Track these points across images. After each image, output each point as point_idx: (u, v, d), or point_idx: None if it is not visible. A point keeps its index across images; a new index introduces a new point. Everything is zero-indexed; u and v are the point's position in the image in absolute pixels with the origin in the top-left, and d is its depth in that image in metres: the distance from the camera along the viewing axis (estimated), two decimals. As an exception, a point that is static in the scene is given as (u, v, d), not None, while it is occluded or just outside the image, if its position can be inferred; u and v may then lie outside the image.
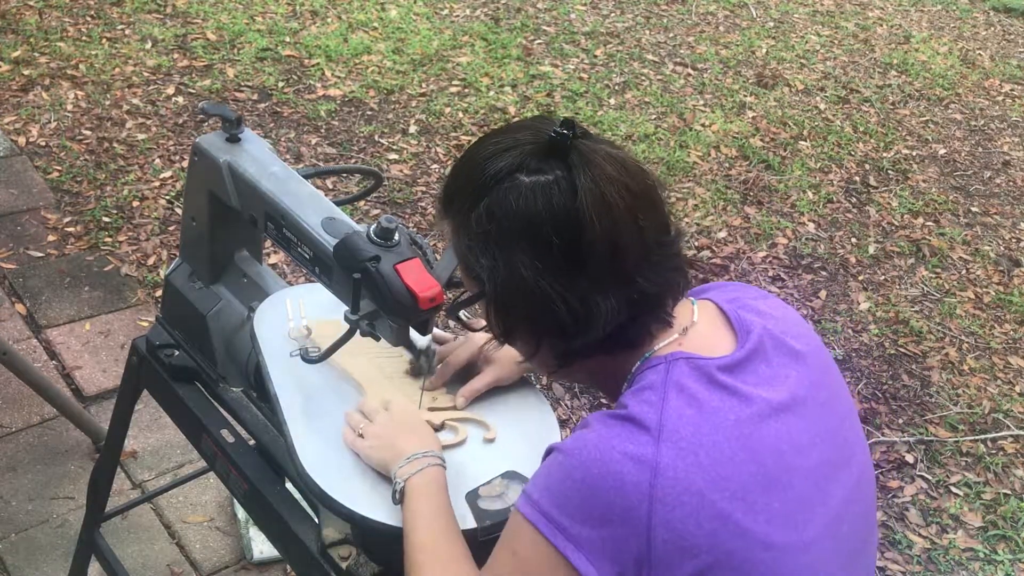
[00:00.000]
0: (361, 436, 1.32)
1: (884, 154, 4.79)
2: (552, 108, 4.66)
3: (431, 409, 1.41)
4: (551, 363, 1.14)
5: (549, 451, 1.08)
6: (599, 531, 0.99)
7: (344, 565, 1.31)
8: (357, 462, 1.33)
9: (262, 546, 2.37)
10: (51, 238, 3.35)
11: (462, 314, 1.26)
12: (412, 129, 4.31)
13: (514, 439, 1.40)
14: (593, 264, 1.03)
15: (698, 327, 1.12)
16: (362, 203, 3.73)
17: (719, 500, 0.99)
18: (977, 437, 3.13)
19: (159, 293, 3.07)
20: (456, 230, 1.10)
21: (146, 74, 4.37)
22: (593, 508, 1.00)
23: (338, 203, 1.46)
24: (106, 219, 3.45)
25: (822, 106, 5.17)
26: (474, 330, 1.31)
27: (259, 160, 1.46)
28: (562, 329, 1.06)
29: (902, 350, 3.47)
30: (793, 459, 1.05)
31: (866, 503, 1.16)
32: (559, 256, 1.03)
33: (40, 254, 3.28)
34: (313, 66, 4.66)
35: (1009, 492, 2.95)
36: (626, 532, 0.98)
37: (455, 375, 1.44)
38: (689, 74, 5.29)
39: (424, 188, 3.91)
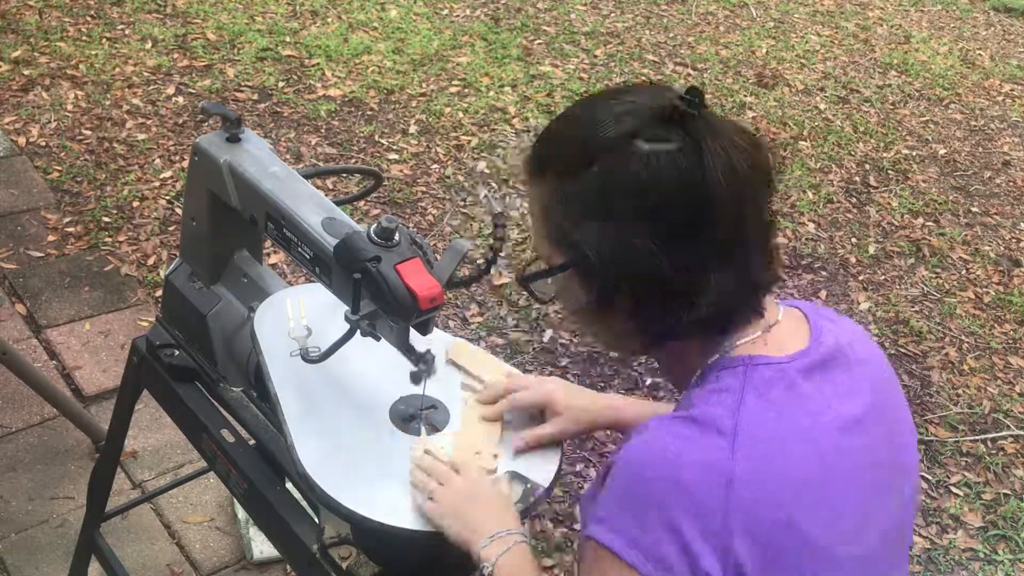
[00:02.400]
0: (431, 498, 1.25)
1: (884, 154, 4.79)
2: (552, 108, 4.66)
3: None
4: (638, 341, 1.08)
5: (609, 465, 1.03)
6: (674, 542, 0.95)
7: (344, 565, 1.31)
8: (357, 462, 1.32)
9: (262, 546, 2.37)
10: (51, 238, 3.35)
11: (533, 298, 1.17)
12: (412, 129, 4.31)
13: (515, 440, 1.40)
14: (712, 238, 0.97)
15: (781, 326, 1.08)
16: (362, 203, 3.73)
17: (792, 509, 0.96)
18: (977, 437, 3.13)
19: (159, 293, 3.07)
20: (552, 193, 1.03)
21: (146, 74, 4.37)
22: (666, 518, 0.95)
23: (338, 203, 1.46)
24: (106, 219, 3.45)
25: (822, 106, 5.17)
26: (543, 303, 1.18)
27: (259, 160, 1.46)
28: (665, 305, 1.00)
29: (902, 350, 3.47)
30: (858, 474, 1.03)
31: (906, 530, 1.14)
32: (680, 227, 0.97)
33: (40, 254, 3.28)
34: (313, 66, 4.66)
35: (1009, 492, 2.95)
36: (700, 540, 0.94)
37: (518, 415, 1.40)
38: (689, 74, 5.29)
39: (424, 188, 3.91)
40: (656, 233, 0.97)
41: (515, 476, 1.33)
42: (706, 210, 0.96)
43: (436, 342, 1.47)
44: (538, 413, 1.40)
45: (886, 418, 1.10)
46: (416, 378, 1.39)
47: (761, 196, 1.01)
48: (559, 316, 3.28)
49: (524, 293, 1.17)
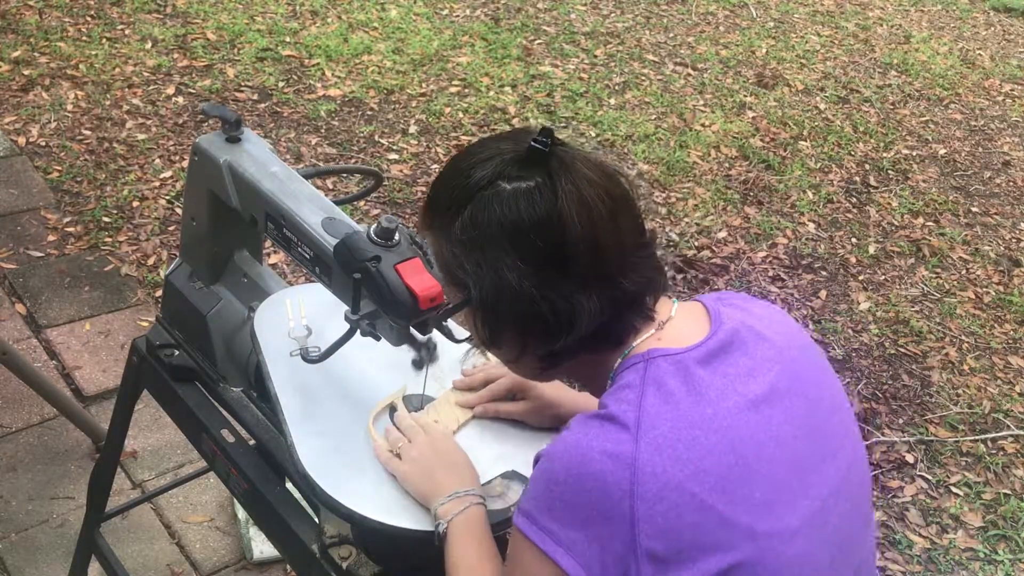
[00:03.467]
0: (398, 456, 1.31)
1: (884, 154, 4.79)
2: (552, 108, 4.66)
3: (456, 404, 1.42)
4: (535, 366, 1.16)
5: (537, 458, 1.09)
6: (586, 532, 1.01)
7: (344, 565, 1.31)
8: (357, 462, 1.32)
9: (262, 546, 2.37)
10: (51, 238, 3.35)
11: (450, 326, 1.27)
12: (412, 129, 4.31)
13: (515, 440, 1.40)
14: (576, 265, 1.05)
15: (675, 321, 1.14)
16: (362, 203, 3.73)
17: (700, 492, 1.00)
18: (977, 437, 3.13)
19: (159, 293, 3.07)
20: (439, 239, 1.12)
21: (146, 74, 4.37)
22: (577, 509, 1.01)
23: (338, 203, 1.46)
24: (106, 219, 3.45)
25: (822, 106, 5.17)
26: (456, 341, 1.33)
27: (259, 160, 1.45)
28: (547, 330, 1.08)
29: (902, 350, 3.47)
30: (773, 450, 1.06)
31: (857, 497, 1.16)
32: (542, 258, 1.05)
33: (40, 254, 3.28)
34: (313, 66, 4.66)
35: (1009, 492, 2.95)
36: (611, 530, 1.00)
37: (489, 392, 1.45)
38: (689, 74, 5.29)
39: (424, 188, 3.91)
40: (522, 265, 1.06)
41: (513, 476, 1.33)
42: (564, 242, 1.05)
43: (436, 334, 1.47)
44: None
45: (803, 390, 1.13)
46: (418, 365, 1.40)
47: (622, 219, 1.08)
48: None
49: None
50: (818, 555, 1.08)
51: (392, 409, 1.40)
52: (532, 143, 1.06)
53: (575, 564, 1.01)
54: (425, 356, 1.37)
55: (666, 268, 1.20)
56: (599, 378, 1.15)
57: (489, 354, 1.51)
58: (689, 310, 1.17)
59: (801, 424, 1.10)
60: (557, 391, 1.44)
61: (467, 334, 1.23)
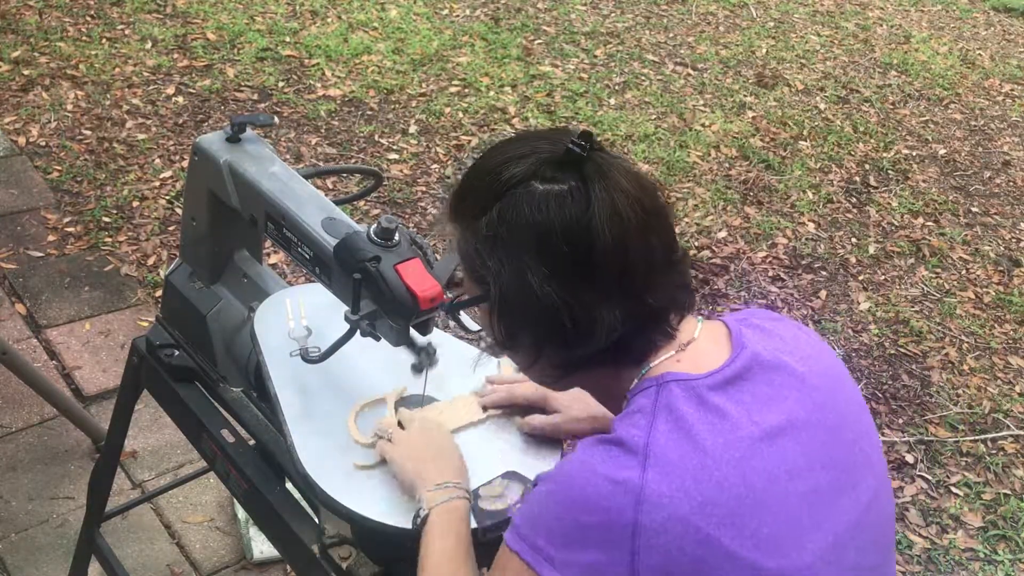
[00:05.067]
0: (390, 441, 1.31)
1: (884, 154, 4.79)
2: (552, 108, 4.66)
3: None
4: (550, 373, 1.13)
5: (537, 479, 1.07)
6: (585, 557, 0.98)
7: (344, 565, 1.31)
8: (357, 462, 1.32)
9: (262, 546, 2.37)
10: (51, 238, 3.35)
11: (463, 318, 1.26)
12: (412, 129, 4.31)
13: (513, 439, 1.40)
14: (600, 276, 1.03)
15: (698, 343, 1.10)
16: (362, 203, 3.73)
17: (705, 526, 0.97)
18: (977, 437, 3.13)
19: (159, 293, 3.07)
20: (464, 232, 1.10)
21: (146, 74, 4.37)
22: (577, 535, 0.99)
23: (338, 203, 1.46)
24: (106, 219, 3.45)
25: (822, 106, 5.17)
26: (470, 332, 1.29)
27: (259, 160, 1.45)
28: (563, 338, 1.06)
29: (902, 350, 3.47)
30: (785, 484, 1.02)
31: (878, 531, 1.13)
32: (567, 265, 1.02)
33: (40, 254, 3.28)
34: (313, 66, 4.66)
35: (1009, 492, 2.95)
36: (611, 558, 0.97)
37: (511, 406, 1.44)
38: (689, 74, 5.29)
39: (424, 188, 3.91)
40: (546, 269, 1.03)
41: (515, 476, 1.33)
42: (591, 251, 1.02)
43: (437, 337, 1.47)
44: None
45: (823, 419, 1.09)
46: (418, 369, 1.40)
47: (653, 234, 1.05)
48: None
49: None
50: None
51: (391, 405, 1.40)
52: (570, 145, 1.04)
53: None
54: (425, 360, 1.37)
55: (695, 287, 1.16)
56: (615, 395, 1.12)
57: (501, 363, 1.51)
58: (712, 332, 1.13)
59: (818, 456, 1.06)
60: (584, 399, 1.39)
61: (480, 327, 1.21)
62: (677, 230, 4.04)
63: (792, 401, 1.08)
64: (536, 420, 1.40)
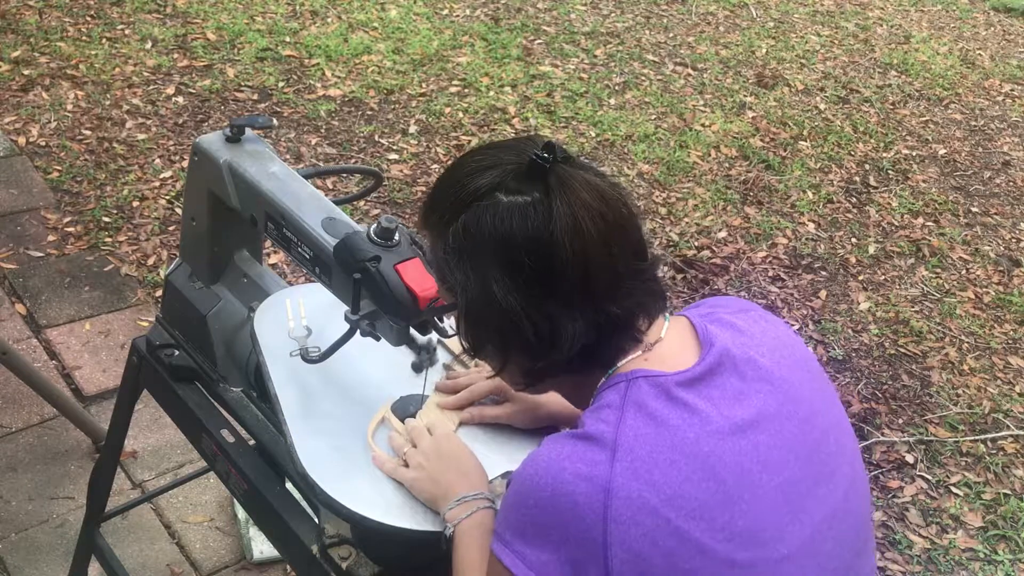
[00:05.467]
0: (405, 463, 1.30)
1: (884, 154, 4.79)
2: (552, 108, 4.66)
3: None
4: (519, 379, 1.15)
5: (510, 479, 1.08)
6: (557, 555, 0.99)
7: (344, 565, 1.31)
8: (357, 462, 1.32)
9: (262, 546, 2.37)
10: (51, 238, 3.35)
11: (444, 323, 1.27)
12: (412, 129, 4.31)
13: (514, 439, 1.40)
14: (562, 287, 1.03)
15: (664, 343, 1.11)
16: (362, 203, 3.73)
17: (675, 518, 0.98)
18: (977, 437, 3.13)
19: (159, 293, 3.07)
20: (434, 242, 1.12)
21: (146, 74, 4.37)
22: (549, 532, 1.00)
23: (338, 202, 1.46)
24: (106, 219, 3.45)
25: (822, 106, 5.17)
26: (447, 336, 1.31)
27: (259, 160, 1.45)
28: (528, 348, 1.07)
29: (902, 350, 3.47)
30: (759, 476, 1.03)
31: (856, 520, 1.13)
32: (529, 277, 1.03)
33: (40, 254, 3.28)
34: (313, 66, 4.66)
35: (1009, 492, 2.95)
36: (583, 553, 0.98)
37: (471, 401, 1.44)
38: (689, 74, 5.29)
39: (424, 188, 3.91)
40: (508, 281, 1.04)
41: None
42: (553, 263, 1.02)
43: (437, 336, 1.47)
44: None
45: (795, 411, 1.10)
46: (417, 368, 1.40)
47: (615, 246, 1.05)
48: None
49: None
50: None
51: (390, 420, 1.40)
52: (533, 156, 1.04)
53: None
54: (425, 359, 1.37)
55: (666, 290, 1.16)
56: (583, 395, 1.13)
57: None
58: (678, 330, 1.14)
59: (792, 448, 1.07)
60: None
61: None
62: (677, 230, 4.05)
63: (762, 395, 1.09)
64: (488, 411, 1.41)
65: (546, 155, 1.04)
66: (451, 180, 1.11)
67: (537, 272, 1.03)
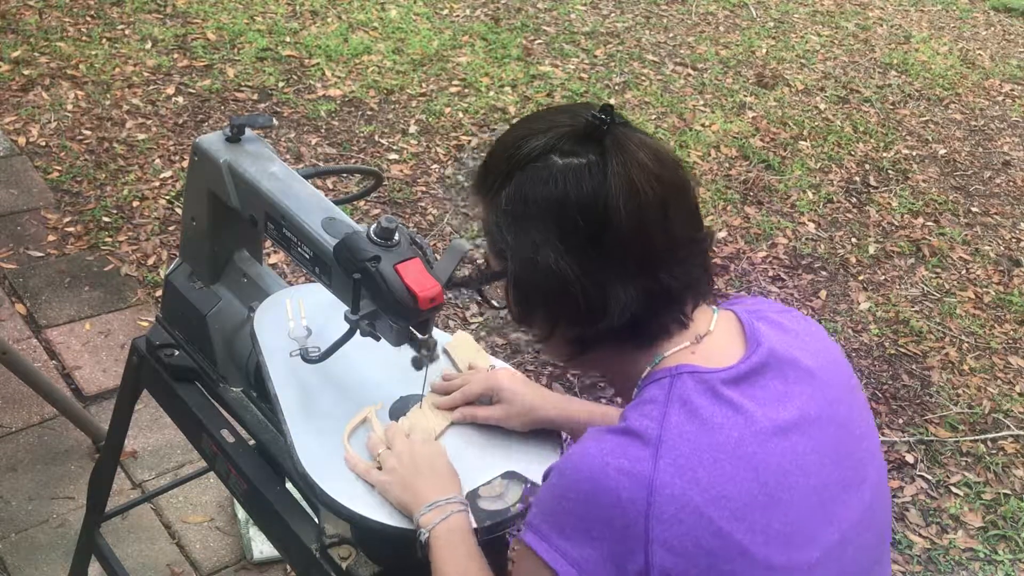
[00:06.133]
0: (379, 466, 1.29)
1: (884, 154, 4.79)
2: (552, 108, 4.66)
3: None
4: (564, 350, 1.11)
5: (547, 472, 1.06)
6: (599, 550, 0.98)
7: (344, 565, 1.31)
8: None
9: (262, 546, 2.37)
10: (51, 238, 3.35)
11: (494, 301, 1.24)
12: (412, 129, 4.31)
13: (514, 439, 1.40)
14: (616, 251, 1.01)
15: (714, 336, 1.09)
16: (362, 203, 3.73)
17: (718, 518, 0.96)
18: (977, 437, 3.13)
19: (159, 293, 3.07)
20: (486, 207, 1.09)
21: (146, 74, 4.37)
22: (591, 527, 0.98)
23: (338, 202, 1.46)
24: (106, 219, 3.45)
25: (822, 106, 5.17)
26: (493, 307, 1.24)
27: (259, 160, 1.45)
28: (577, 314, 1.04)
29: (902, 350, 3.47)
30: (797, 479, 1.02)
31: (878, 527, 1.13)
32: (582, 239, 1.01)
33: (40, 254, 3.28)
34: (313, 66, 4.66)
35: (1009, 492, 2.95)
36: (625, 549, 0.97)
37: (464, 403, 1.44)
38: (689, 74, 5.29)
39: (424, 188, 3.91)
40: (560, 244, 1.02)
41: (514, 476, 1.33)
42: (607, 226, 1.01)
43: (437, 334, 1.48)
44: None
45: (833, 416, 1.09)
46: (418, 364, 1.40)
47: (672, 209, 1.03)
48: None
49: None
50: None
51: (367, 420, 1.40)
52: (589, 118, 1.03)
53: None
54: (425, 356, 1.37)
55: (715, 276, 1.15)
56: (628, 381, 1.11)
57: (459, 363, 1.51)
58: (726, 325, 1.12)
59: (829, 452, 1.06)
60: (536, 393, 1.41)
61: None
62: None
63: (805, 397, 1.07)
64: (480, 412, 1.40)
65: (603, 116, 1.02)
66: (505, 144, 1.09)
67: (591, 235, 1.01)
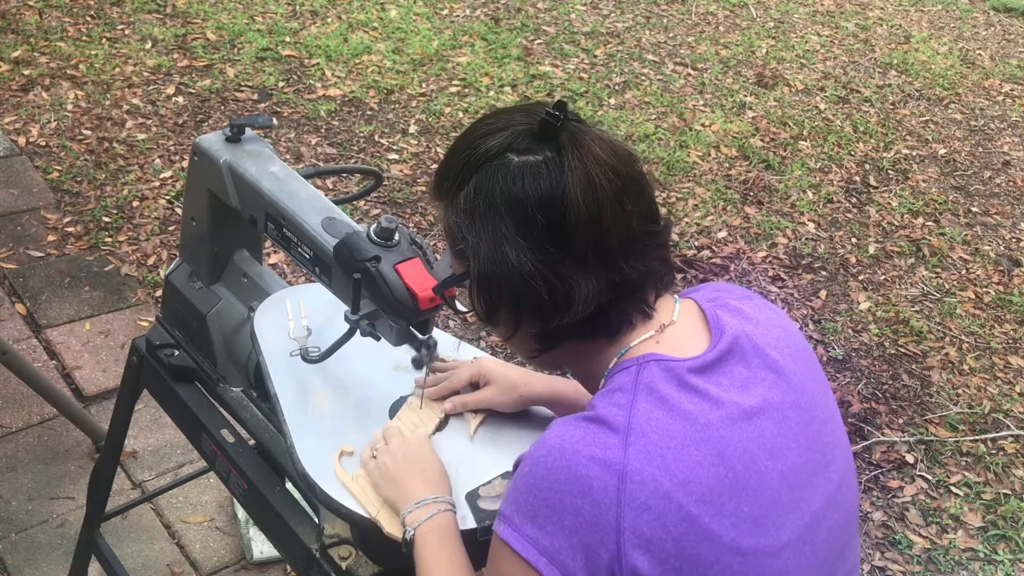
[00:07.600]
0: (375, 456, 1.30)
1: (884, 154, 4.79)
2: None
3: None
4: (530, 345, 1.13)
5: (518, 461, 1.07)
6: (570, 540, 0.98)
7: (344, 565, 1.31)
8: (357, 462, 1.32)
9: (262, 546, 2.37)
10: (51, 238, 3.35)
11: (460, 306, 1.25)
12: (412, 129, 4.31)
13: (514, 439, 1.40)
14: (576, 244, 1.03)
15: (676, 326, 1.11)
16: (362, 203, 3.73)
17: (687, 503, 0.98)
18: (977, 437, 3.13)
19: (159, 293, 3.07)
20: (445, 208, 1.11)
21: (146, 74, 4.37)
22: (562, 516, 0.99)
23: (338, 202, 1.46)
24: (106, 219, 3.45)
25: (822, 106, 5.17)
26: (459, 312, 1.29)
27: (259, 160, 1.45)
28: (541, 308, 1.06)
29: (902, 350, 3.47)
30: (765, 463, 1.03)
31: (846, 510, 1.14)
32: (543, 235, 1.03)
33: (40, 254, 3.28)
34: (313, 66, 4.66)
35: (1009, 492, 2.95)
36: (597, 538, 0.97)
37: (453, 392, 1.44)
38: (689, 74, 5.29)
39: (424, 188, 3.91)
40: (521, 240, 1.03)
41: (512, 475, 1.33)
42: (566, 221, 1.02)
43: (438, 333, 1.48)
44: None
45: (798, 400, 1.10)
46: (418, 363, 1.40)
47: (629, 202, 1.05)
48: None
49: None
50: (805, 570, 1.06)
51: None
52: (544, 116, 1.04)
53: (558, 573, 0.98)
54: (425, 355, 1.37)
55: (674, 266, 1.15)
56: (594, 373, 1.13)
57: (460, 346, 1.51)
58: (688, 314, 1.13)
59: (795, 436, 1.08)
60: (521, 372, 1.42)
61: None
62: (677, 230, 4.04)
63: (768, 382, 1.09)
64: (470, 397, 1.40)
65: (557, 113, 1.04)
66: (462, 145, 1.10)
67: (551, 230, 1.03)
